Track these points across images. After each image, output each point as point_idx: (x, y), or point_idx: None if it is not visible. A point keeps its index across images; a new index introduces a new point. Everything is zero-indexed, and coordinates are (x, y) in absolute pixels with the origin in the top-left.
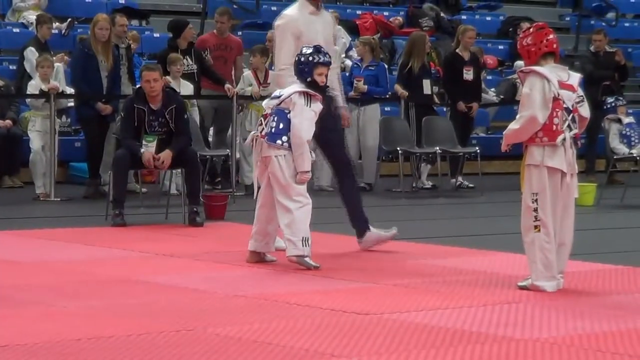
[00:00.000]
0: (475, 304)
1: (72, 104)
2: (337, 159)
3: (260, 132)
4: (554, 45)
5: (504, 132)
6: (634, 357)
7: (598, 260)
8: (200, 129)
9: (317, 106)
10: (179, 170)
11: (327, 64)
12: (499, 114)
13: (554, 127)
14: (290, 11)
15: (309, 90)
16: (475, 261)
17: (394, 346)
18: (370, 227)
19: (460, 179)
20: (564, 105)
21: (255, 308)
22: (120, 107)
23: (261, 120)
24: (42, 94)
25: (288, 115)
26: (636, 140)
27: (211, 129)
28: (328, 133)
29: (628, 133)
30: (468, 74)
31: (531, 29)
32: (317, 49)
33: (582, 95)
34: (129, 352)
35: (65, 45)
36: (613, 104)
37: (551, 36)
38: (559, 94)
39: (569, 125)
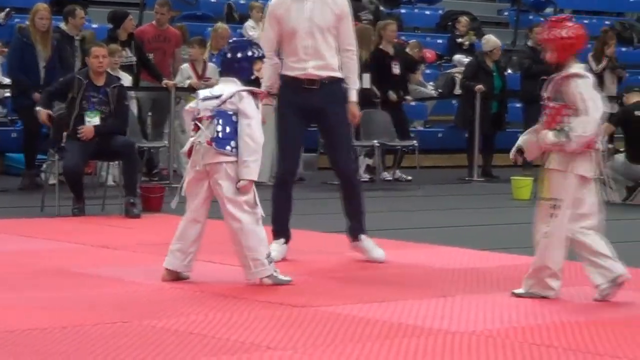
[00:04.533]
0: (412, 297)
1: (8, 94)
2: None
3: (200, 138)
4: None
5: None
6: (568, 349)
7: (534, 253)
8: (138, 121)
9: (260, 106)
10: (116, 161)
11: (263, 58)
12: (437, 108)
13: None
14: None
15: (254, 89)
16: (412, 254)
17: (330, 338)
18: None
19: (397, 172)
20: None
21: (191, 300)
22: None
23: (197, 124)
24: None
25: (233, 118)
26: None
27: (149, 119)
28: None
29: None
30: (395, 68)
31: (565, 22)
32: (250, 43)
33: None
34: (63, 344)
35: (1, 35)
36: None
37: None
38: None
39: None
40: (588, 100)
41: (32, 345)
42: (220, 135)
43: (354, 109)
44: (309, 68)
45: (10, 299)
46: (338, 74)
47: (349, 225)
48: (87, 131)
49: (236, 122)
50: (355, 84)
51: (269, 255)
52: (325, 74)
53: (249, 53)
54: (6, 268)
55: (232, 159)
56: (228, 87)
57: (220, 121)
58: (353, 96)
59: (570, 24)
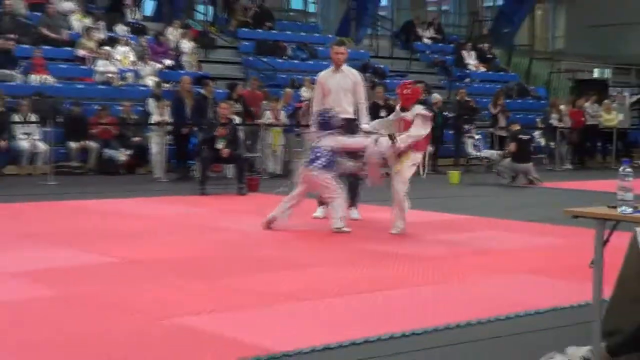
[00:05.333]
0: (402, 238)
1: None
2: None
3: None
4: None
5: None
6: (495, 271)
7: (461, 213)
8: (243, 142)
9: None
10: (233, 164)
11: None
12: None
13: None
14: (323, 71)
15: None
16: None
17: (348, 258)
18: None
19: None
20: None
21: (279, 240)
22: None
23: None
24: (158, 123)
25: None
26: (481, 148)
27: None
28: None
29: (477, 144)
30: (383, 114)
31: (409, 84)
32: (331, 113)
33: None
34: (188, 268)
35: (168, 96)
36: (469, 128)
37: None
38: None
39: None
40: (415, 126)
41: (156, 269)
42: (311, 159)
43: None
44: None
45: (158, 241)
46: (351, 116)
47: (349, 200)
48: (226, 152)
49: (319, 152)
50: (365, 120)
51: (342, 217)
52: (343, 116)
53: (331, 118)
54: (163, 222)
55: (317, 172)
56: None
57: (312, 152)
58: (364, 127)
59: (412, 86)
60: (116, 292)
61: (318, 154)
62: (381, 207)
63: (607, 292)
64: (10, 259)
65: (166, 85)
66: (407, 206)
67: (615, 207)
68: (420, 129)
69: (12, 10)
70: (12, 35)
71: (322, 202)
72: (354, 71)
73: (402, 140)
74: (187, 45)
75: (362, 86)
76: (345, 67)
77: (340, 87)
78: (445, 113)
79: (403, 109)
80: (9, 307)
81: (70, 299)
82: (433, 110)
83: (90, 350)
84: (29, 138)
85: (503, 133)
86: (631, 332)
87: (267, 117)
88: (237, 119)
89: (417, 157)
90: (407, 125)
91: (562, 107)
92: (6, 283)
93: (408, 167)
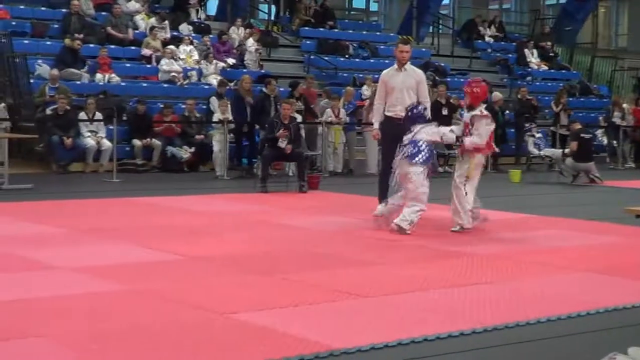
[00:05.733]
0: (449, 234)
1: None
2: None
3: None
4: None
5: (470, 143)
6: (541, 263)
7: (522, 212)
8: (304, 140)
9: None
10: (294, 162)
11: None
12: None
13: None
14: (386, 69)
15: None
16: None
17: (409, 256)
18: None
19: (446, 167)
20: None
21: (338, 237)
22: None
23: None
24: (220, 121)
25: (419, 143)
26: (543, 147)
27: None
28: None
29: (538, 142)
30: (444, 111)
31: (477, 82)
32: (420, 106)
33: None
34: (249, 264)
35: (229, 94)
36: (530, 127)
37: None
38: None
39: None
40: (476, 130)
41: (222, 263)
42: (412, 153)
43: None
44: (397, 110)
45: (230, 237)
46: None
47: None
48: (288, 148)
49: (420, 145)
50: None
51: (411, 222)
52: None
53: (423, 112)
54: (228, 218)
55: (420, 168)
56: (417, 128)
57: (412, 146)
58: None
59: (480, 84)
60: (179, 287)
61: (418, 148)
62: (441, 205)
63: None
64: (74, 255)
65: (230, 84)
66: (479, 204)
67: None
68: (482, 134)
69: (79, 10)
70: (79, 35)
71: (381, 200)
72: (418, 70)
73: (467, 142)
74: (251, 44)
75: (425, 85)
76: (408, 66)
77: (404, 85)
78: (506, 112)
79: (470, 107)
80: (75, 300)
81: (133, 294)
82: (493, 110)
83: (154, 343)
84: (95, 136)
85: (564, 131)
86: None
87: (328, 115)
88: (299, 117)
89: (481, 158)
90: (466, 125)
91: (625, 105)
92: (71, 277)
93: (474, 169)
